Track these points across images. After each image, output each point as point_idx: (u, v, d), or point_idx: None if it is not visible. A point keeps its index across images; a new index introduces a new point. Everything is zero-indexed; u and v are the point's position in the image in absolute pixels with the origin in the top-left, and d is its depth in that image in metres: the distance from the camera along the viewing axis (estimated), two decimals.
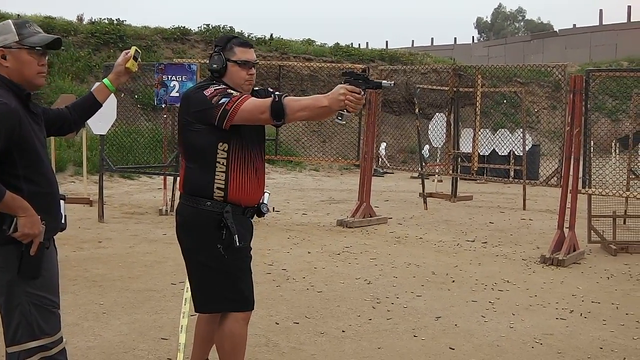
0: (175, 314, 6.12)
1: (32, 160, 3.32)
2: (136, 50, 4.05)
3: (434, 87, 18.87)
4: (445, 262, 8.82)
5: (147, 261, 8.34)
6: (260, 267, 8.17)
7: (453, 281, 7.81)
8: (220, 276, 4.15)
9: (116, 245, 9.28)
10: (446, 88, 13.21)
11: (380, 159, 12.42)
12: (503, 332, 6.01)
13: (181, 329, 5.73)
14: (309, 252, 9.15)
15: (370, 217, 11.65)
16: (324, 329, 5.95)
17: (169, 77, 9.99)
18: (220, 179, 4.02)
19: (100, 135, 11.28)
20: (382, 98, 24.50)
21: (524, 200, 14.29)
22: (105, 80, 3.93)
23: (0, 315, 3.35)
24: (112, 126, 11.70)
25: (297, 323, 6.09)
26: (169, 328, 5.82)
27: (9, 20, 3.41)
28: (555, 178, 9.53)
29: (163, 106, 11.00)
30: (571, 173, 9.06)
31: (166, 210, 11.88)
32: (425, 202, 13.98)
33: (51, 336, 3.36)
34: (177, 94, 9.93)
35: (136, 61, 3.99)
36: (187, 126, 4.04)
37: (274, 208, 12.81)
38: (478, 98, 10.67)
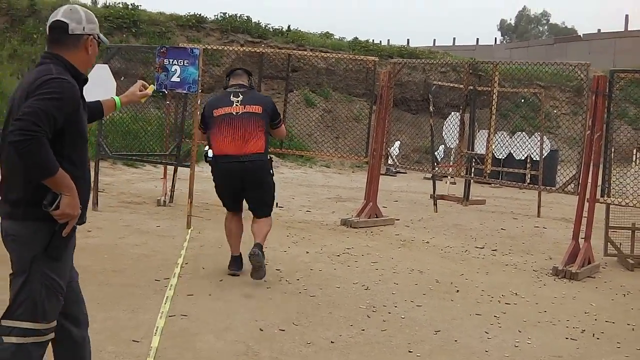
0: (153, 313, 5.69)
1: (77, 144, 3.44)
2: (153, 89, 4.44)
3: (450, 84, 18.24)
4: (451, 270, 8.30)
5: (135, 254, 7.89)
6: None
7: (457, 291, 7.29)
8: None
9: (106, 235, 8.80)
10: (462, 86, 12.62)
11: (390, 157, 11.77)
12: (507, 351, 5.48)
13: (156, 330, 5.29)
14: (307, 252, 8.65)
15: (377, 217, 11.14)
16: (312, 339, 5.45)
17: (171, 61, 9.50)
18: None
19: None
20: (399, 95, 24.14)
21: (539, 207, 13.74)
22: (117, 99, 4.18)
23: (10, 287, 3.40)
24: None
25: (283, 330, 5.60)
26: (143, 329, 5.34)
27: (89, 11, 3.60)
28: (573, 185, 8.96)
29: (165, 92, 10.48)
30: (590, 180, 8.52)
31: (164, 201, 11.40)
32: (435, 204, 13.45)
33: (49, 323, 3.40)
34: (178, 79, 9.45)
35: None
36: None
37: (277, 204, 12.30)
38: (494, 96, 10.10)
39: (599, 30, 49.27)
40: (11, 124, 3.17)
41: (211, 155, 7.17)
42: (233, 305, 6.22)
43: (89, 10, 3.59)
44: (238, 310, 6.07)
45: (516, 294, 7.32)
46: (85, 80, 3.56)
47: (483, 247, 9.87)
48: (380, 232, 10.49)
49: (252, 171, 7.05)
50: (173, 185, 11.80)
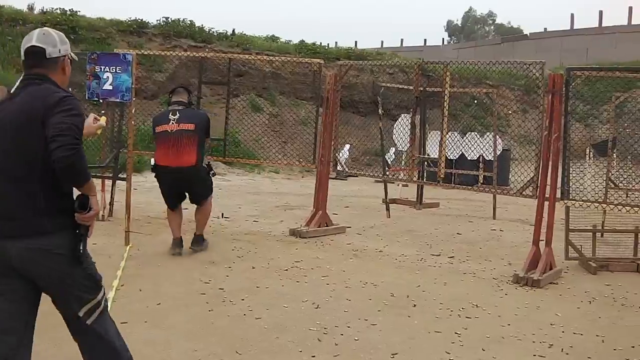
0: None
1: None
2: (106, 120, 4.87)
3: (399, 85, 17.80)
4: (407, 281, 7.81)
5: None
6: (196, 286, 7.15)
7: (414, 305, 6.80)
8: None
9: None
10: (411, 87, 12.16)
11: (339, 163, 11.23)
12: None
13: None
14: (253, 268, 8.08)
15: (327, 226, 10.62)
16: None
17: (102, 68, 8.86)
18: None
19: None
20: (347, 98, 23.70)
21: (494, 209, 13.35)
22: None
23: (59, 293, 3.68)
24: None
25: None
26: None
27: (60, 32, 3.86)
28: (531, 188, 8.54)
29: (100, 101, 9.80)
30: (548, 183, 8.11)
31: (102, 216, 10.67)
32: (388, 209, 12.96)
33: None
34: (111, 87, 8.82)
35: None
36: None
37: (222, 214, 11.75)
38: (446, 98, 9.67)
39: (545, 29, 49.49)
40: (52, 140, 3.39)
41: (153, 164, 8.52)
42: (171, 333, 5.64)
43: (59, 32, 3.86)
44: (176, 339, 5.49)
45: (477, 305, 6.86)
46: None
47: (439, 255, 9.42)
48: (331, 242, 9.97)
49: (185, 180, 8.44)
50: (112, 198, 11.13)
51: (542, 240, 8.19)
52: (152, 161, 8.56)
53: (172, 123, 8.33)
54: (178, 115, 8.38)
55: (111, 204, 11.06)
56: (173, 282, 7.28)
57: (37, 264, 3.54)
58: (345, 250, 9.42)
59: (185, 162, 8.25)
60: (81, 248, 3.60)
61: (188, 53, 17.84)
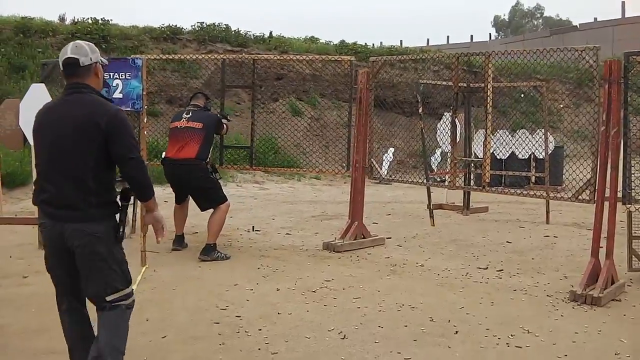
0: None
1: None
2: None
3: (439, 82, 16.83)
4: (449, 301, 6.93)
5: None
6: (209, 314, 6.38)
7: (456, 332, 5.93)
8: None
9: (43, 282, 7.32)
10: (451, 83, 11.23)
11: (374, 168, 10.29)
12: None
13: None
14: (277, 290, 7.28)
15: (363, 238, 9.75)
16: None
17: (112, 74, 8.15)
18: None
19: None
20: (392, 98, 22.82)
21: (547, 212, 12.35)
22: None
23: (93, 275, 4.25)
24: None
25: None
26: None
27: (90, 43, 4.46)
28: (588, 191, 7.56)
29: None
30: (608, 184, 7.15)
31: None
32: (432, 216, 12.04)
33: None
34: (121, 95, 8.12)
35: None
36: None
37: (253, 227, 10.99)
38: (489, 92, 8.75)
39: (596, 19, 47.90)
40: (122, 158, 4.19)
41: (162, 157, 9.15)
42: None
43: (89, 43, 4.46)
44: None
45: (528, 331, 5.97)
46: None
47: (486, 268, 8.50)
48: (368, 256, 9.12)
49: (184, 174, 8.87)
50: (134, 213, 10.43)
51: (602, 247, 7.24)
52: (163, 154, 9.19)
53: (183, 120, 8.95)
54: (190, 114, 8.99)
55: (134, 219, 10.36)
56: (185, 308, 6.53)
57: (81, 244, 4.16)
58: (382, 266, 8.56)
59: (185, 154, 8.74)
60: (120, 232, 4.27)
61: (224, 56, 17.12)
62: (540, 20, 78.97)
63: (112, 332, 4.27)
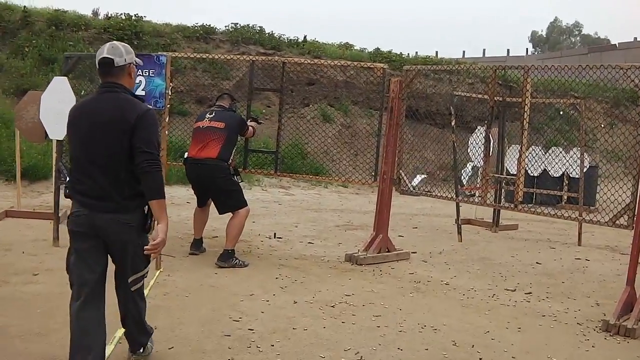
0: None
1: None
2: None
3: (474, 95, 16.46)
4: (474, 325, 6.57)
5: None
6: (221, 325, 6.08)
7: (480, 359, 5.59)
8: None
9: (53, 281, 7.17)
10: (486, 96, 10.87)
11: (403, 180, 9.90)
12: None
13: None
14: (295, 302, 6.97)
15: (388, 251, 9.43)
16: None
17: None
18: None
19: (57, 140, 9.23)
20: (425, 109, 22.50)
21: (579, 234, 11.92)
22: None
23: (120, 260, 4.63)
24: None
25: None
26: None
27: (125, 44, 4.67)
28: (626, 216, 7.18)
29: None
30: None
31: None
32: (459, 232, 11.67)
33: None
34: (143, 93, 7.88)
35: None
36: None
37: (275, 234, 10.69)
38: (526, 108, 8.40)
39: (635, 38, 47.14)
40: (139, 151, 4.32)
41: (185, 157, 8.90)
42: None
43: (125, 44, 4.63)
44: None
45: None
46: None
47: (515, 290, 8.13)
48: (391, 271, 8.78)
49: (205, 175, 8.61)
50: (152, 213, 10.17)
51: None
52: (185, 154, 8.93)
53: (206, 120, 8.75)
54: (214, 114, 8.80)
55: (151, 220, 10.10)
56: (197, 318, 6.23)
57: (115, 232, 4.41)
58: (405, 282, 8.22)
59: (206, 154, 8.53)
60: (149, 222, 4.53)
61: (256, 57, 16.89)
62: (578, 38, 78.24)
63: (139, 306, 4.88)
